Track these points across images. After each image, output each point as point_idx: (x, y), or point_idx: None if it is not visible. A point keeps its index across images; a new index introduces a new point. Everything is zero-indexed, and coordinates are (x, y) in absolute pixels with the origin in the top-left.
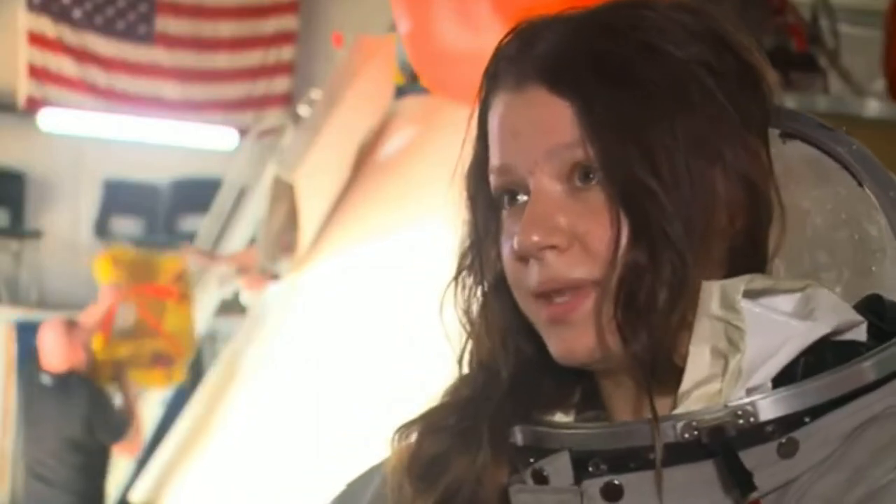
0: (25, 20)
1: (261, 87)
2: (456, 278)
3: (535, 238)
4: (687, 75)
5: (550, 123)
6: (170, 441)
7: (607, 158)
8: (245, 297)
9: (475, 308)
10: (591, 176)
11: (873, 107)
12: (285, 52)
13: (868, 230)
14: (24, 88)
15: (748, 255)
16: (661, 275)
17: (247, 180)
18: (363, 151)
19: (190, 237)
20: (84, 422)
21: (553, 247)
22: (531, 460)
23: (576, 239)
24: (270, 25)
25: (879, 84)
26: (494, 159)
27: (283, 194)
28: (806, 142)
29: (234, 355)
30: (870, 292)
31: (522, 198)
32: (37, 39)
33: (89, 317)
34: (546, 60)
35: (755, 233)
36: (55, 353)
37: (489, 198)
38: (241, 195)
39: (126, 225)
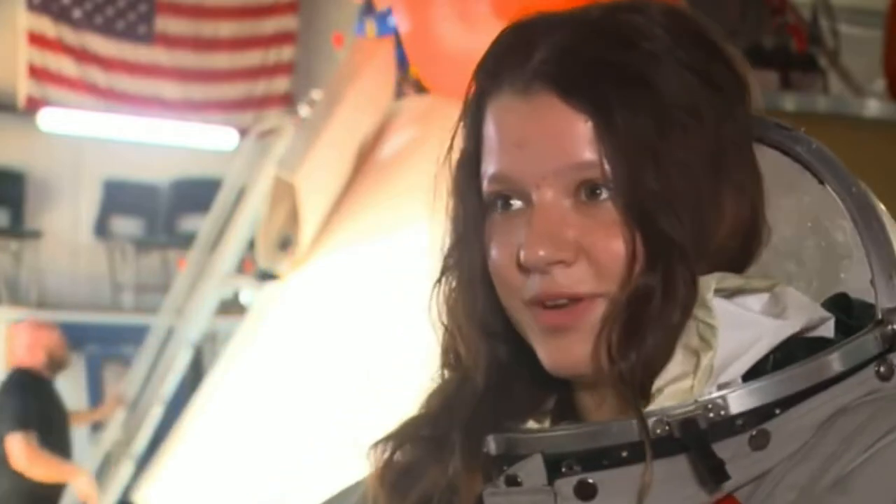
0: (25, 20)
1: (261, 87)
2: (441, 278)
3: (542, 253)
4: (694, 88)
5: (565, 139)
6: (170, 441)
7: (627, 179)
8: (245, 297)
9: (455, 310)
10: (600, 192)
11: (873, 107)
12: (285, 52)
13: (834, 237)
14: (24, 88)
15: (731, 270)
16: (675, 294)
17: (247, 180)
18: (363, 151)
19: (190, 237)
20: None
21: (560, 262)
22: (504, 468)
23: (582, 252)
24: (270, 25)
25: (879, 84)
26: (492, 166)
27: (284, 194)
28: (766, 144)
29: (234, 355)
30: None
31: (517, 203)
32: (37, 39)
33: None
34: (555, 66)
35: (746, 251)
36: (16, 351)
37: (477, 198)
38: (241, 195)
39: (126, 225)
